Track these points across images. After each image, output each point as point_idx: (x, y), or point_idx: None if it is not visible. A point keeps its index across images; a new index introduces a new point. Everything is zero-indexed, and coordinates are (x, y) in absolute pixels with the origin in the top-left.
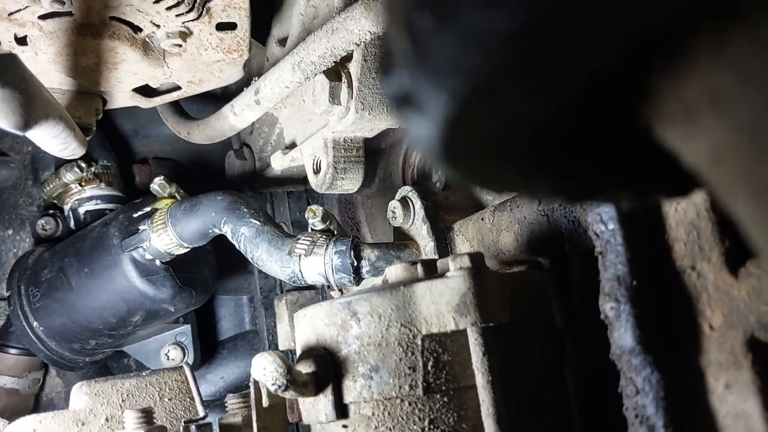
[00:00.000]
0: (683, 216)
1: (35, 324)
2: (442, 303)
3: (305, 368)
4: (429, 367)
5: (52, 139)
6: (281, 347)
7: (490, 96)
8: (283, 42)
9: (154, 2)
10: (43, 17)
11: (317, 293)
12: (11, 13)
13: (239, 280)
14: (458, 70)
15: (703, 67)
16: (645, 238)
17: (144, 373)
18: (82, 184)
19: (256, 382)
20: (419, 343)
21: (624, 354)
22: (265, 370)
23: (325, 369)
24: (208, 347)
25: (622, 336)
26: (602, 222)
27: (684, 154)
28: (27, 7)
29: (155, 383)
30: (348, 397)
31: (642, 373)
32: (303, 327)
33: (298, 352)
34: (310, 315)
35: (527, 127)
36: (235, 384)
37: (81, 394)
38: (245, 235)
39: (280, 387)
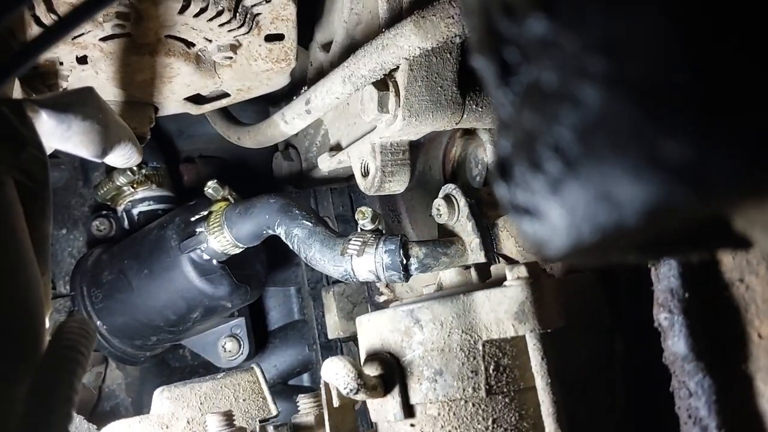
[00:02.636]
0: None
1: (99, 323)
2: (501, 311)
3: (372, 371)
4: (490, 371)
5: (121, 158)
6: (330, 336)
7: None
8: (326, 47)
9: (208, 20)
10: (103, 39)
11: (362, 284)
12: (75, 37)
13: (287, 273)
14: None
15: None
16: None
17: (219, 376)
18: (134, 186)
19: (326, 384)
20: (480, 348)
21: (677, 360)
22: (337, 374)
23: (392, 372)
24: (260, 337)
25: (676, 344)
26: None
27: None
28: (90, 31)
29: (230, 385)
30: (414, 398)
31: (695, 377)
32: (367, 332)
33: (363, 356)
34: (374, 321)
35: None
36: (287, 371)
37: (162, 399)
38: (298, 236)
39: (351, 390)
